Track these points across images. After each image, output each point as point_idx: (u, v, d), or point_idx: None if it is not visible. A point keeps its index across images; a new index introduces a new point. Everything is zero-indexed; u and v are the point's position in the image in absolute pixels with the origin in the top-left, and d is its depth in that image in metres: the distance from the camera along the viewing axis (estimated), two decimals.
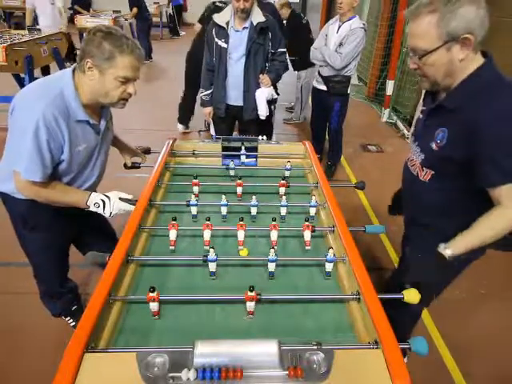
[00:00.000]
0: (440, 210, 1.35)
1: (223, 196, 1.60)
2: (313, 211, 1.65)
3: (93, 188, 1.69)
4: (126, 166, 1.98)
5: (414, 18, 1.14)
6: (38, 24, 5.46)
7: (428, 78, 1.22)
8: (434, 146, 1.27)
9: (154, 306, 1.11)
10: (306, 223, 1.43)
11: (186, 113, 4.69)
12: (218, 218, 1.61)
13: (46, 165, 1.38)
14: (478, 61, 1.17)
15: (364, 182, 1.88)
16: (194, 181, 1.76)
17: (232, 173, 1.97)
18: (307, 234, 1.42)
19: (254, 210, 1.61)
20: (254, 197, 1.60)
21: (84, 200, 1.53)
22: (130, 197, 1.59)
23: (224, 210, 1.60)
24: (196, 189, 1.77)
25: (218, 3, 3.95)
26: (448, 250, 1.18)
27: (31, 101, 1.36)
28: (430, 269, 1.20)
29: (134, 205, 1.56)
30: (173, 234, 1.40)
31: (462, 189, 1.28)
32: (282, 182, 1.79)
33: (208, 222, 1.40)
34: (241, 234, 1.41)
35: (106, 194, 1.57)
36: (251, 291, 1.09)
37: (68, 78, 1.40)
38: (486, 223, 1.18)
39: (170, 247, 1.42)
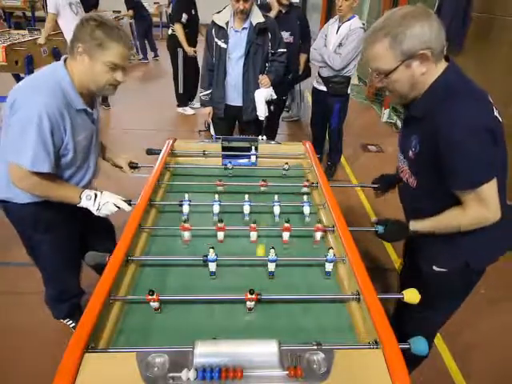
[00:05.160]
0: (430, 215, 1.34)
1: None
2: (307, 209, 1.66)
3: (91, 182, 1.71)
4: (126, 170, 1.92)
5: (370, 42, 1.18)
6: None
7: (395, 94, 1.26)
8: (410, 154, 1.32)
9: (154, 305, 1.12)
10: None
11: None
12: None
13: (51, 156, 1.38)
14: (439, 69, 1.19)
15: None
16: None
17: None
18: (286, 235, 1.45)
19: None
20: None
21: (78, 193, 1.52)
22: (123, 199, 1.58)
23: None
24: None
25: None
26: (412, 227, 1.39)
27: (30, 95, 1.35)
28: (399, 232, 1.43)
29: (128, 204, 1.56)
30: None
31: (447, 192, 1.26)
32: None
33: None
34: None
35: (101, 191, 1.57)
36: (251, 294, 1.09)
37: (62, 68, 1.42)
38: (445, 219, 1.30)
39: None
